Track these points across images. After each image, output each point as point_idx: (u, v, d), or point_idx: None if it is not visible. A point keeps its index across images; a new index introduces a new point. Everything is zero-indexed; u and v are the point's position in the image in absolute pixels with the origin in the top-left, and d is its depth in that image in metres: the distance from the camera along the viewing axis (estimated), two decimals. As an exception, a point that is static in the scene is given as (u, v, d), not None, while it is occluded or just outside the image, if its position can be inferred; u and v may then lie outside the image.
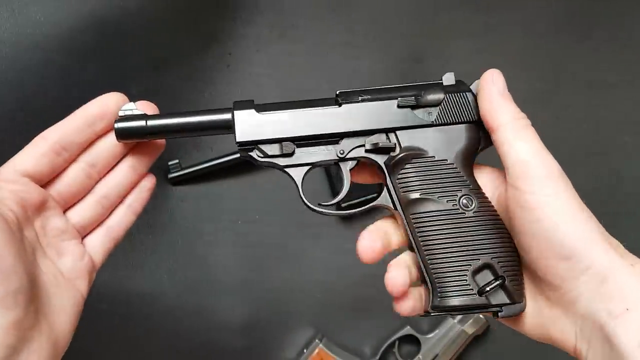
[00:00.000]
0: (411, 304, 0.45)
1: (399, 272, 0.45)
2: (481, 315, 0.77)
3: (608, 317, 0.36)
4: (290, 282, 0.79)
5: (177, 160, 0.77)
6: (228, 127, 0.47)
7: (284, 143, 0.46)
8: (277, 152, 0.46)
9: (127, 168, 0.48)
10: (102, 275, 0.75)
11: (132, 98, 0.76)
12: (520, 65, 0.81)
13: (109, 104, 0.46)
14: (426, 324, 0.79)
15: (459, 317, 0.77)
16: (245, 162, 0.80)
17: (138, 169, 0.48)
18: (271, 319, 0.79)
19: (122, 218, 0.50)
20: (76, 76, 0.74)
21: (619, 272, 0.37)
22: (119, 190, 0.48)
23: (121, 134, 0.46)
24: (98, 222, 0.48)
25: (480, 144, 0.46)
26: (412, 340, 0.78)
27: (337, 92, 0.47)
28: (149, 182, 0.50)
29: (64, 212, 0.46)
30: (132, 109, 0.46)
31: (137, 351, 0.78)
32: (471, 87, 0.48)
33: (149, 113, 0.47)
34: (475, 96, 0.47)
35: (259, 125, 0.46)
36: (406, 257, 0.46)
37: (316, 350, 0.76)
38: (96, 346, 0.77)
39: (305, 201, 0.47)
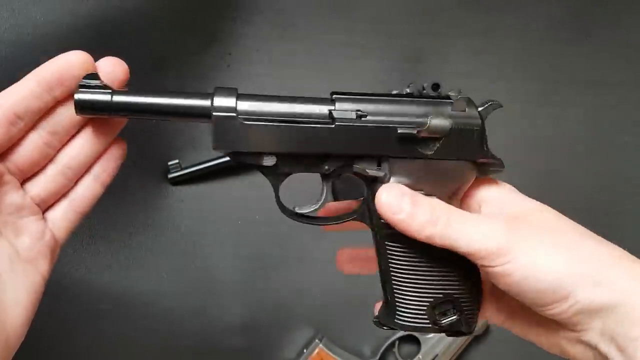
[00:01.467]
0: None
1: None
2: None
3: (627, 340, 0.35)
4: (290, 282, 0.79)
5: (177, 161, 0.77)
6: (207, 116, 0.41)
7: (264, 156, 0.41)
8: (256, 162, 0.42)
9: (93, 134, 0.42)
10: (101, 275, 0.75)
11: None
12: (520, 65, 0.81)
13: (71, 67, 0.41)
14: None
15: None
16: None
17: (106, 134, 0.43)
18: (271, 319, 0.79)
19: (87, 189, 0.45)
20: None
21: (629, 295, 0.35)
22: (85, 158, 0.43)
23: (81, 108, 0.40)
24: (61, 194, 0.44)
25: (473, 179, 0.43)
26: (412, 340, 0.78)
27: (333, 96, 0.42)
28: (119, 149, 0.45)
29: (23, 184, 0.42)
30: (96, 81, 0.41)
31: (136, 351, 0.78)
32: (480, 110, 0.43)
33: (118, 74, 0.42)
34: (484, 129, 0.42)
35: (239, 134, 0.41)
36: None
37: (316, 351, 0.76)
38: (96, 346, 0.77)
39: (284, 205, 0.45)
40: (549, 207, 0.42)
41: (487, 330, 0.78)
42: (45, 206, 0.44)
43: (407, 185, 0.41)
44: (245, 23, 0.79)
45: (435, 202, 0.40)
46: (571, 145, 0.81)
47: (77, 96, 0.40)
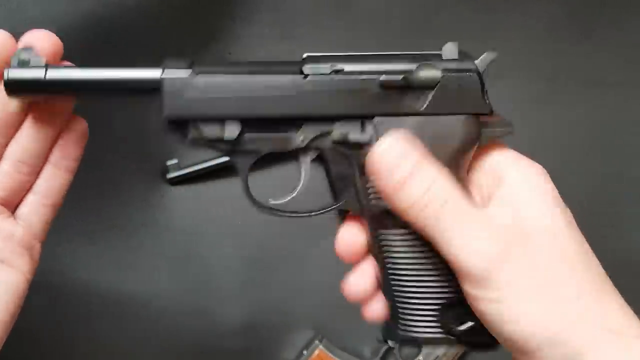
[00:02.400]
0: (380, 306, 0.38)
1: (361, 278, 0.38)
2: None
3: None
4: (290, 283, 0.79)
5: (175, 160, 0.77)
6: (155, 90, 0.35)
7: (227, 123, 0.34)
8: (218, 135, 0.35)
9: (39, 120, 0.39)
10: (100, 276, 0.75)
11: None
12: (520, 65, 0.81)
13: None
14: (427, 325, 0.79)
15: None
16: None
17: (55, 118, 0.39)
18: (270, 320, 0.79)
19: (51, 180, 0.42)
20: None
21: (600, 347, 0.30)
22: (36, 149, 0.39)
23: (13, 88, 0.34)
24: (25, 190, 0.41)
25: (480, 141, 0.36)
26: (412, 342, 0.78)
27: (304, 56, 0.36)
28: (76, 130, 0.41)
29: None
30: (28, 57, 0.35)
31: (135, 351, 0.77)
32: (476, 62, 0.37)
33: (47, 49, 0.36)
34: (481, 77, 0.35)
35: (196, 94, 0.33)
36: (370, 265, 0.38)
37: (316, 352, 0.76)
38: (94, 346, 0.76)
39: (253, 197, 0.37)
40: (569, 222, 0.36)
41: (487, 331, 0.78)
42: (11, 204, 0.41)
43: None
44: (245, 22, 0.79)
45: (438, 179, 0.32)
46: (571, 145, 0.81)
47: (6, 75, 0.34)
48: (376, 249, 0.37)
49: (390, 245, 0.36)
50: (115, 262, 0.76)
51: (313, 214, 0.39)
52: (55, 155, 0.41)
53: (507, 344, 0.33)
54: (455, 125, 0.35)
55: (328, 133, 0.36)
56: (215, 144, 0.35)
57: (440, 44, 0.81)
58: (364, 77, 0.35)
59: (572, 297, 0.32)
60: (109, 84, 0.36)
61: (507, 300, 0.31)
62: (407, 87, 0.35)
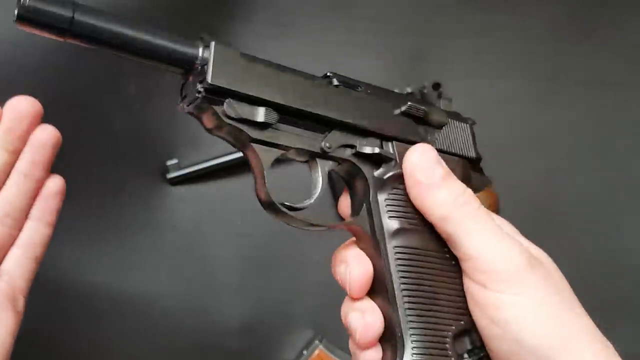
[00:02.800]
0: (376, 355, 0.36)
1: (375, 318, 0.36)
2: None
3: None
4: (290, 283, 0.79)
5: (176, 160, 0.77)
6: (189, 63, 0.34)
7: (267, 107, 0.34)
8: (249, 117, 0.34)
9: (22, 177, 0.41)
10: (100, 275, 0.75)
11: (133, 98, 0.76)
12: (520, 65, 0.81)
13: None
14: (426, 325, 0.79)
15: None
16: (245, 161, 0.80)
17: (36, 174, 0.42)
18: (270, 320, 0.79)
19: (34, 234, 0.44)
20: (75, 76, 0.74)
21: (599, 356, 0.32)
22: (20, 203, 0.41)
23: (28, 17, 0.31)
24: (9, 244, 0.42)
25: (470, 185, 0.37)
26: (412, 341, 0.78)
27: (328, 73, 0.38)
28: (54, 186, 0.43)
29: None
30: None
31: (136, 351, 0.77)
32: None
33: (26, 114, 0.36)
34: (472, 130, 0.40)
35: (243, 72, 0.33)
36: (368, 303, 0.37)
37: (316, 352, 0.76)
38: (95, 346, 0.76)
39: (268, 193, 0.37)
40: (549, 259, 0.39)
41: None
42: None
43: None
44: (245, 22, 0.79)
45: (468, 189, 0.36)
46: (571, 145, 0.81)
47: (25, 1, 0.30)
48: (390, 267, 0.35)
49: (407, 261, 0.35)
50: (116, 262, 0.76)
51: (322, 228, 0.39)
52: (36, 209, 0.43)
53: (513, 348, 0.33)
54: (457, 165, 0.38)
55: (352, 145, 0.37)
56: (243, 124, 0.34)
57: (441, 43, 0.81)
58: (389, 102, 0.37)
59: (577, 314, 0.35)
60: (142, 46, 0.34)
61: (526, 305, 0.33)
62: (422, 119, 0.37)
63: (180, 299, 0.77)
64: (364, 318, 0.36)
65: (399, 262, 0.35)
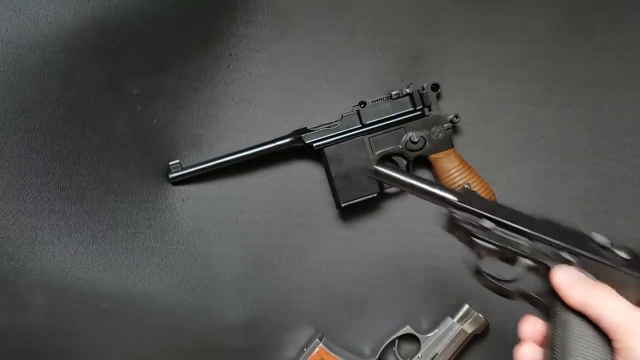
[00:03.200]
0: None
1: (531, 350, 0.48)
2: (480, 315, 0.77)
3: None
4: (290, 282, 0.79)
5: (177, 161, 0.78)
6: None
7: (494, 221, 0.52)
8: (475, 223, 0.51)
9: None
10: (103, 275, 0.75)
11: (133, 98, 0.77)
12: (519, 66, 0.81)
13: None
14: (426, 323, 0.79)
15: (459, 315, 0.78)
16: (246, 162, 0.80)
17: None
18: (271, 319, 0.79)
19: None
20: (77, 76, 0.75)
21: None
22: None
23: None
24: None
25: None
26: (411, 339, 0.79)
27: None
28: None
29: None
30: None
31: (137, 350, 0.78)
32: None
33: None
34: None
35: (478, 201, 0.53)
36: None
37: (316, 350, 0.76)
38: (96, 345, 0.77)
39: (484, 270, 0.52)
40: None
41: (486, 329, 0.79)
42: None
43: None
44: (246, 23, 0.79)
45: (594, 281, 0.46)
46: (571, 145, 0.81)
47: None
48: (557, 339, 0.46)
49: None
50: (117, 261, 0.76)
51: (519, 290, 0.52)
52: None
53: None
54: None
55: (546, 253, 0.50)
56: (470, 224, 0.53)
57: (441, 43, 0.82)
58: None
59: None
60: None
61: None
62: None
63: (182, 297, 0.78)
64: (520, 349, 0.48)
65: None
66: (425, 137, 0.78)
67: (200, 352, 0.78)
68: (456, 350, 0.77)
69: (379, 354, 0.78)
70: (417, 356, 0.77)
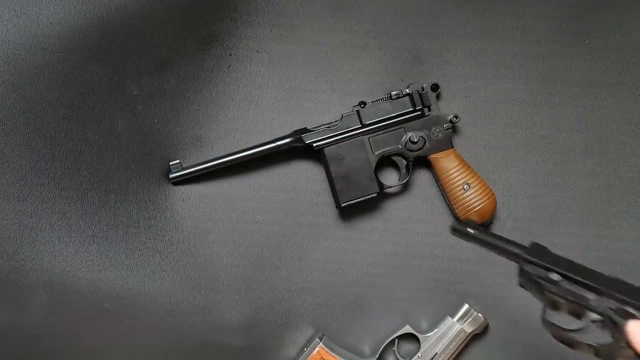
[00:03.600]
0: None
1: None
2: (480, 314, 0.77)
3: None
4: (290, 282, 0.80)
5: (178, 161, 0.78)
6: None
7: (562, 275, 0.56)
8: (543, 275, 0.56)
9: None
10: (104, 275, 0.76)
11: (133, 98, 0.77)
12: (519, 66, 0.81)
13: None
14: (425, 323, 0.80)
15: (459, 315, 0.78)
16: (246, 162, 0.80)
17: None
18: (271, 318, 0.79)
19: None
20: (78, 77, 0.75)
21: None
22: None
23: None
24: None
25: None
26: (411, 339, 0.79)
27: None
28: None
29: None
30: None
31: (137, 350, 0.78)
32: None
33: None
34: None
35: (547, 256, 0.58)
36: None
37: (316, 349, 0.77)
38: (97, 344, 0.77)
39: (553, 325, 0.55)
40: None
41: (486, 329, 0.79)
42: None
43: None
44: (246, 24, 0.79)
45: None
46: (570, 146, 0.81)
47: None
48: None
49: None
50: (118, 261, 0.76)
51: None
52: None
53: None
54: None
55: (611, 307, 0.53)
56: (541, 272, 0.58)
57: (440, 44, 0.82)
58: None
59: None
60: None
61: None
62: None
63: (182, 297, 0.78)
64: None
65: None
66: (425, 137, 0.78)
67: (201, 351, 0.78)
68: (456, 350, 0.78)
69: (378, 354, 0.78)
70: (416, 355, 0.78)
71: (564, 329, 0.54)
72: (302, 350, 0.78)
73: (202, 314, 0.78)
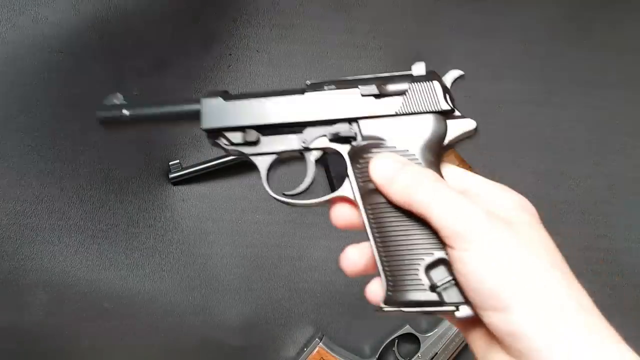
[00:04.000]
0: (377, 287, 0.43)
1: (354, 251, 0.44)
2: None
3: None
4: (290, 282, 0.80)
5: (177, 161, 0.78)
6: (197, 116, 0.46)
7: (246, 131, 0.46)
8: (241, 140, 0.46)
9: None
10: (104, 275, 0.76)
11: (134, 98, 0.77)
12: (520, 66, 0.81)
13: None
14: (425, 323, 0.80)
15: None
16: (246, 162, 0.80)
17: None
18: (271, 318, 0.79)
19: None
20: (77, 76, 0.75)
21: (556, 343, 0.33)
22: None
23: (104, 122, 0.48)
24: None
25: (447, 137, 0.44)
26: (411, 339, 0.79)
27: (307, 83, 0.47)
28: None
29: None
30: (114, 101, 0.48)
31: (138, 349, 0.78)
32: (444, 77, 0.47)
33: None
34: (443, 85, 0.45)
35: (224, 112, 0.46)
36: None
37: (316, 349, 0.77)
38: (97, 344, 0.77)
39: (269, 190, 0.47)
40: (535, 218, 0.41)
41: (486, 329, 0.79)
42: None
43: (377, 141, 0.43)
44: (246, 24, 0.79)
45: (422, 169, 0.41)
46: (570, 145, 0.81)
47: (98, 114, 0.48)
48: (368, 222, 0.43)
49: (378, 214, 0.43)
50: (118, 261, 0.76)
51: (313, 202, 0.47)
52: None
53: (477, 298, 0.37)
54: (423, 123, 0.44)
55: (324, 135, 0.45)
56: (239, 147, 0.46)
57: (440, 44, 0.82)
58: (348, 90, 0.46)
59: (544, 285, 0.36)
60: (165, 117, 0.48)
61: (485, 254, 0.36)
62: (380, 95, 0.45)
63: (182, 297, 0.78)
64: (344, 252, 0.45)
65: (372, 214, 0.43)
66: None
67: (201, 350, 0.79)
68: (456, 350, 0.78)
69: (378, 354, 0.78)
70: (416, 355, 0.78)
71: (292, 202, 0.47)
72: (302, 350, 0.78)
73: (202, 314, 0.78)
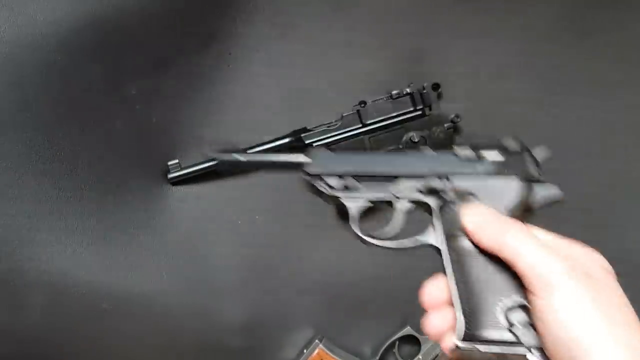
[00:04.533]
0: (440, 322, 0.46)
1: (437, 285, 0.47)
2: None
3: None
4: (290, 283, 0.79)
5: (176, 160, 0.77)
6: (298, 166, 0.53)
7: (345, 177, 0.51)
8: (338, 185, 0.52)
9: None
10: (102, 275, 0.75)
11: (132, 97, 0.77)
12: (520, 66, 0.81)
13: None
14: (426, 324, 0.79)
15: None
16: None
17: None
18: (271, 319, 0.79)
19: None
20: (76, 76, 0.74)
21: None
22: None
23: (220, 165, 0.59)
24: None
25: (533, 202, 0.49)
26: (412, 341, 0.78)
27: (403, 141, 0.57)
28: None
29: None
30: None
31: (136, 350, 0.78)
32: (534, 150, 0.53)
33: None
34: (533, 156, 0.52)
35: (330, 161, 0.52)
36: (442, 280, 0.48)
37: (316, 351, 0.76)
38: (96, 345, 0.77)
39: (358, 231, 0.52)
40: (612, 276, 0.43)
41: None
42: None
43: (467, 195, 0.48)
44: (245, 23, 0.79)
45: (513, 219, 0.45)
46: (570, 146, 0.81)
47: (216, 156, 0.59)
48: (451, 263, 0.47)
49: (462, 259, 0.46)
50: (117, 262, 0.76)
51: (403, 247, 0.53)
52: None
53: (552, 346, 0.38)
54: (510, 186, 0.48)
55: (415, 187, 0.50)
56: (335, 190, 0.52)
57: (441, 43, 0.81)
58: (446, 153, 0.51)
59: (619, 311, 0.39)
60: (269, 165, 0.56)
61: (565, 308, 0.37)
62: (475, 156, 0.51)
63: (181, 298, 0.77)
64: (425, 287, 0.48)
65: (454, 258, 0.46)
66: (426, 137, 0.77)
67: (200, 352, 0.78)
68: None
69: (379, 355, 0.78)
70: (417, 357, 0.77)
71: (378, 239, 0.52)
72: (301, 352, 0.78)
73: (201, 315, 0.78)
